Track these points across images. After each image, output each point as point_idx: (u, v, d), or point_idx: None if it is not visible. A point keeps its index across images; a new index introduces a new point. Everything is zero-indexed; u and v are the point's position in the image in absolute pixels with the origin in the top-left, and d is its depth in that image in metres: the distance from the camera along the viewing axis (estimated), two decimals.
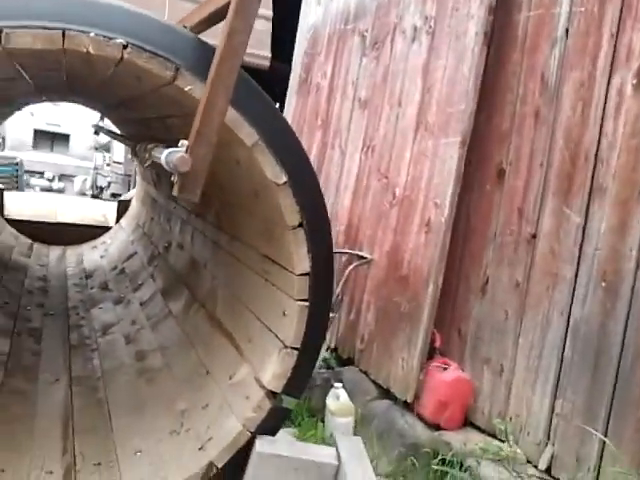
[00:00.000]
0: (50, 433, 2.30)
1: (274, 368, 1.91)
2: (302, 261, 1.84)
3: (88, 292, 4.06)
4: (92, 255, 4.98)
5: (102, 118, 4.96)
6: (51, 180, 14.74)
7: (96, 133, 5.34)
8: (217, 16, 1.68)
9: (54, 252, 5.08)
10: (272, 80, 4.00)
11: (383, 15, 3.53)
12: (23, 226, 5.12)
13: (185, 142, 1.46)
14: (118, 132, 4.70)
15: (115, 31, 1.59)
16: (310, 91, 4.98)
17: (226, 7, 1.49)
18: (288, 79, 5.04)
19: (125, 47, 1.58)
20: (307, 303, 1.88)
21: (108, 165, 15.39)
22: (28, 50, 1.53)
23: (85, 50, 1.56)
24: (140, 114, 2.86)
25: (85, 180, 15.28)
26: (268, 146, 1.74)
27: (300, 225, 1.83)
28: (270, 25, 3.40)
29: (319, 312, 1.91)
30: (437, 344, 2.69)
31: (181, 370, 2.51)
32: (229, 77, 1.44)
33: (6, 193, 5.46)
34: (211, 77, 1.45)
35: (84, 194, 14.96)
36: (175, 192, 1.47)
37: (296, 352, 1.89)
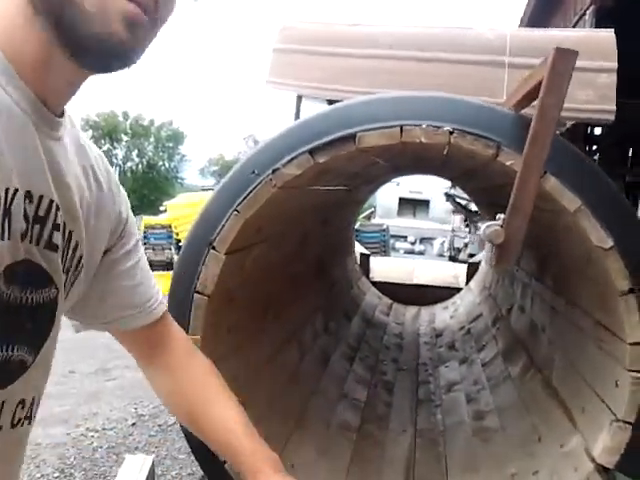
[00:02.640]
0: (393, 478, 2.55)
1: (605, 441, 1.81)
2: (634, 329, 1.73)
3: (437, 350, 4.33)
4: (443, 315, 5.30)
5: (453, 186, 5.33)
6: (413, 243, 16.09)
7: (449, 198, 5.74)
8: (536, 92, 1.77)
9: (410, 311, 5.56)
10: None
11: None
12: (385, 287, 5.75)
13: (502, 216, 1.56)
14: (465, 199, 4.99)
15: (444, 120, 1.82)
16: None
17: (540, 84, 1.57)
18: None
19: (451, 133, 1.79)
20: None
21: (465, 226, 16.09)
22: (375, 146, 1.86)
23: (418, 140, 1.82)
24: (479, 183, 3.05)
25: (443, 242, 16.23)
26: (592, 211, 1.73)
27: (631, 291, 1.73)
28: (614, 77, 3.27)
29: None
30: None
31: (515, 434, 2.53)
32: (541, 153, 1.51)
33: (372, 258, 6.20)
34: (524, 154, 1.54)
35: (442, 255, 15.86)
36: (492, 262, 1.58)
37: (629, 426, 1.76)
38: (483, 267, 5.52)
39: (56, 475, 4.03)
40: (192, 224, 2.05)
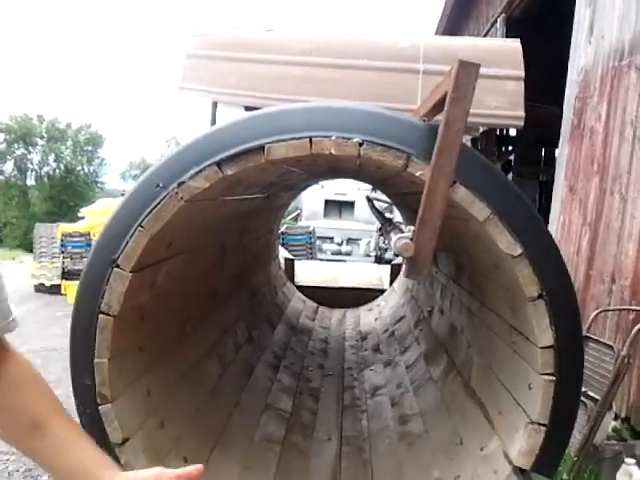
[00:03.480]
0: None
1: (521, 444, 1.85)
2: (544, 333, 1.77)
3: (362, 354, 4.35)
4: (368, 317, 5.33)
5: (374, 189, 5.37)
6: (340, 244, 16.16)
7: (369, 202, 5.79)
8: (443, 102, 1.77)
9: (336, 315, 5.57)
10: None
11: None
12: (310, 291, 5.73)
13: (412, 228, 1.55)
14: (386, 201, 5.03)
15: (353, 131, 1.79)
16: (584, 136, 4.75)
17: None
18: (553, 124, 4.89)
19: (361, 144, 1.77)
20: (553, 377, 1.78)
21: (380, 235, 16.31)
22: (285, 158, 1.82)
23: (328, 151, 1.78)
24: (393, 190, 3.07)
25: (369, 242, 16.39)
26: (501, 220, 1.75)
27: (540, 296, 1.77)
28: (522, 85, 3.37)
29: (568, 387, 1.80)
30: None
31: (438, 437, 2.55)
32: (449, 165, 1.51)
33: (297, 262, 6.17)
34: (431, 167, 1.54)
35: (368, 255, 16.02)
36: (404, 274, 1.57)
37: (544, 428, 1.80)
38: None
39: None
40: (94, 241, 1.94)
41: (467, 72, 1.48)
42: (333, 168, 2.53)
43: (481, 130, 3.67)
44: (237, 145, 1.79)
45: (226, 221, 2.97)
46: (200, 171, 1.80)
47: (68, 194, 40.83)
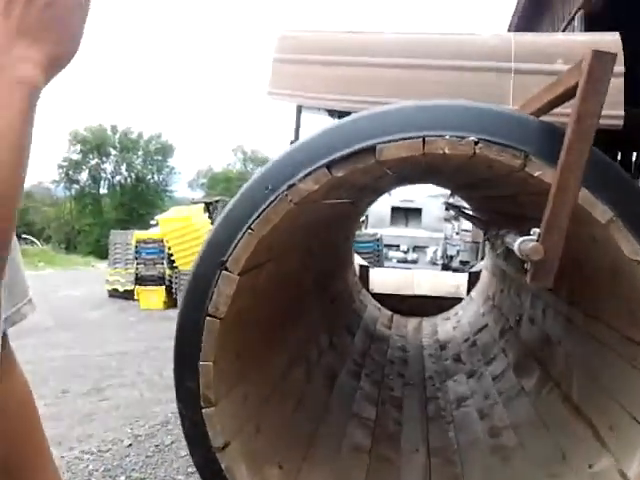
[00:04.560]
0: None
1: None
2: None
3: (442, 363, 4.25)
4: (445, 326, 5.22)
5: (452, 195, 5.27)
6: (406, 252, 16.00)
7: (447, 209, 5.68)
8: (561, 99, 1.70)
9: (411, 323, 5.48)
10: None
11: None
12: (385, 299, 5.66)
13: (537, 230, 1.49)
14: (467, 208, 4.93)
15: (467, 130, 1.74)
16: None
17: (572, 90, 1.50)
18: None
19: (477, 143, 1.71)
20: None
21: (457, 234, 16.03)
22: (397, 158, 1.78)
23: (442, 151, 1.74)
24: (490, 192, 2.98)
25: (436, 250, 16.16)
26: (624, 223, 1.66)
27: None
28: (622, 81, 3.22)
29: None
30: None
31: (536, 452, 2.44)
32: (579, 163, 1.43)
33: (371, 269, 6.12)
34: (560, 165, 1.47)
35: (435, 263, 15.79)
36: (528, 280, 1.50)
37: None
38: (485, 276, 5.45)
39: None
40: (203, 244, 1.96)
41: (602, 63, 1.40)
42: (431, 169, 2.48)
43: None
44: (347, 146, 1.77)
45: (314, 225, 2.96)
46: (310, 173, 1.79)
47: (139, 202, 42.28)
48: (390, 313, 5.59)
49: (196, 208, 14.06)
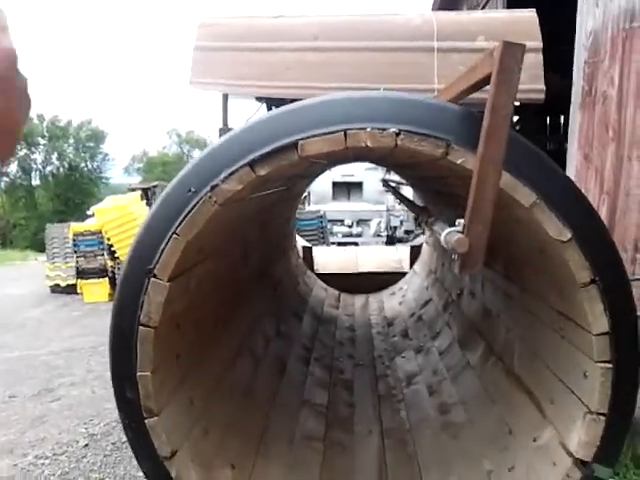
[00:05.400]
0: None
1: (580, 435, 1.78)
2: (598, 320, 1.70)
3: (390, 340, 4.29)
4: (392, 302, 5.27)
5: (388, 171, 5.29)
6: (350, 226, 16.08)
7: (384, 186, 5.71)
8: (476, 87, 1.69)
9: (358, 301, 5.51)
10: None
11: None
12: (330, 278, 5.67)
13: (462, 221, 1.48)
14: (403, 183, 4.95)
15: (389, 121, 1.71)
16: (596, 102, 4.61)
17: (487, 78, 1.49)
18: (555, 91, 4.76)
19: (398, 134, 1.69)
20: (610, 365, 1.72)
21: (399, 204, 16.19)
22: (319, 153, 1.74)
23: (364, 144, 1.71)
24: (419, 173, 2.99)
25: (379, 222, 16.31)
26: (548, 204, 1.67)
27: (592, 282, 1.70)
28: (541, 57, 3.26)
29: (625, 373, 1.74)
30: None
31: (484, 427, 2.49)
32: (498, 153, 1.43)
33: (315, 249, 6.11)
34: (479, 156, 1.46)
35: (379, 235, 15.95)
36: (456, 270, 1.50)
37: (603, 418, 1.74)
38: (426, 249, 5.52)
39: None
40: (128, 251, 1.88)
41: (512, 53, 1.39)
42: (359, 156, 2.46)
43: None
44: (269, 143, 1.72)
45: (248, 217, 2.90)
46: (232, 173, 1.73)
47: (74, 191, 40.93)
48: (337, 292, 5.61)
49: (133, 196, 13.69)
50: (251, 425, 2.62)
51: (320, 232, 12.74)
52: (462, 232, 1.46)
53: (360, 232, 16.03)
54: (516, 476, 2.04)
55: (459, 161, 1.67)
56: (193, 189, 1.76)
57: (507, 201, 1.73)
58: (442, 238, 1.49)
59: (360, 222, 16.24)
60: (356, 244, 15.52)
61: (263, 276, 3.85)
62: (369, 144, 1.69)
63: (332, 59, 3.40)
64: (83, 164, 43.86)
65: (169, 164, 43.91)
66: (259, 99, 3.71)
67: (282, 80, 3.40)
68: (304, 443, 2.70)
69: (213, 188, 1.74)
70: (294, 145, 1.72)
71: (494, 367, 2.71)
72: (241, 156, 1.74)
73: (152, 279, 1.79)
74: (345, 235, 15.69)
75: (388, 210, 16.26)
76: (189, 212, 1.75)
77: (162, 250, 1.77)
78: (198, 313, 2.37)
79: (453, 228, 1.49)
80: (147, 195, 15.76)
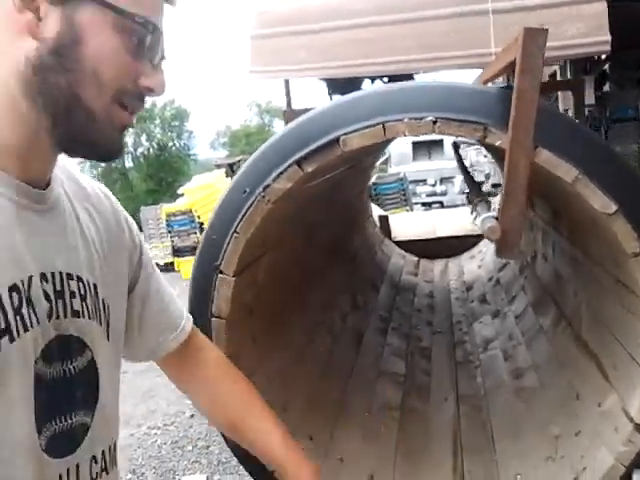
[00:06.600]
0: (442, 451, 2.58)
1: None
2: None
3: (469, 306, 4.32)
4: (470, 266, 5.26)
5: None
6: (433, 185, 15.89)
7: (455, 150, 5.64)
8: (505, 72, 1.71)
9: (438, 266, 5.53)
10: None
11: None
12: (409, 245, 5.71)
13: (496, 206, 1.53)
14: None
15: (425, 110, 1.76)
16: None
17: (512, 64, 1.51)
18: None
19: (435, 122, 1.74)
20: None
21: (485, 156, 15.78)
22: (361, 147, 1.83)
23: (402, 135, 1.77)
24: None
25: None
26: (591, 178, 1.68)
27: None
28: (605, 5, 3.12)
29: None
30: None
31: (554, 392, 2.52)
32: (526, 138, 1.46)
33: (391, 217, 6.16)
34: (509, 140, 1.49)
35: (464, 192, 15.67)
36: (496, 254, 1.55)
37: None
38: None
39: (129, 477, 4.20)
40: (199, 248, 2.06)
41: (534, 39, 1.41)
42: None
43: (560, 63, 3.43)
44: (313, 141, 1.82)
45: (313, 199, 3.02)
46: (282, 172, 1.85)
47: (165, 171, 42.62)
48: (416, 259, 5.64)
49: (217, 173, 14.18)
50: (330, 398, 2.78)
51: (402, 195, 12.69)
52: (497, 218, 1.51)
53: (444, 190, 15.81)
54: (581, 441, 2.08)
55: (498, 143, 1.70)
56: (248, 190, 1.89)
57: (552, 177, 1.75)
58: (479, 224, 1.54)
59: (444, 180, 16.00)
60: (441, 203, 15.35)
61: (337, 252, 3.98)
62: (407, 133, 1.75)
63: (388, 33, 3.41)
64: (171, 143, 45.52)
65: (252, 135, 44.68)
66: (325, 81, 3.78)
67: (341, 59, 3.45)
68: (381, 412, 2.83)
69: (265, 188, 1.86)
70: (336, 141, 1.80)
71: (564, 331, 2.72)
72: (289, 155, 1.85)
73: (219, 275, 1.95)
74: (429, 195, 15.55)
75: (472, 165, 15.91)
76: (246, 212, 1.89)
77: (226, 248, 1.93)
78: (271, 298, 2.53)
79: (490, 213, 1.53)
80: (232, 170, 16.27)
